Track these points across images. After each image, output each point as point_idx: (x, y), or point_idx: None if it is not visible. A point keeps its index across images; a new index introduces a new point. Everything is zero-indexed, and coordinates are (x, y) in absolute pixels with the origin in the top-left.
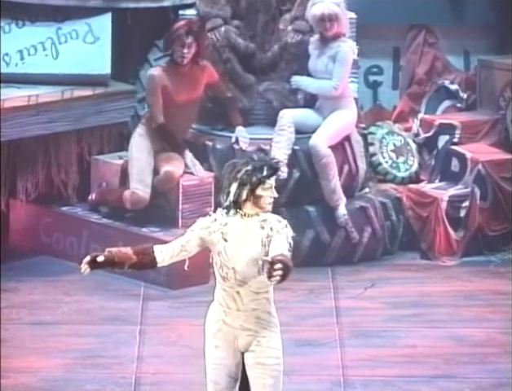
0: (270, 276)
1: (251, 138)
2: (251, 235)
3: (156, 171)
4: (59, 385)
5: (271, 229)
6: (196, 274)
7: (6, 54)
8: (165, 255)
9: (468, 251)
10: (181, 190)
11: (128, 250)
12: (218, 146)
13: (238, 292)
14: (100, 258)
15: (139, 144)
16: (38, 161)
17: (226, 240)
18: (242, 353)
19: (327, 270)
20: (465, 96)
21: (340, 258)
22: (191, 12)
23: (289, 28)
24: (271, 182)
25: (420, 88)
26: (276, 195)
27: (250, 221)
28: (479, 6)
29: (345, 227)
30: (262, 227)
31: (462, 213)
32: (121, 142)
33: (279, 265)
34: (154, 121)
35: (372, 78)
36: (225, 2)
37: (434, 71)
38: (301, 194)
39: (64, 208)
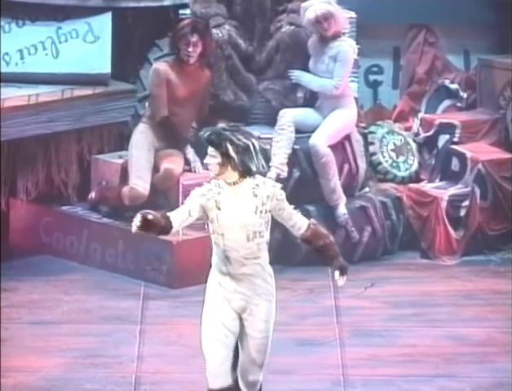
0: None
1: None
2: (244, 204)
3: (156, 169)
4: (59, 384)
5: (267, 197)
6: (195, 273)
7: (7, 54)
8: (178, 222)
9: (468, 250)
10: (181, 189)
11: (157, 215)
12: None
13: (227, 257)
14: (151, 217)
15: (140, 141)
16: (38, 161)
17: (219, 209)
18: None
19: (327, 269)
20: (465, 95)
21: None
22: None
23: (285, 21)
24: (211, 151)
25: (420, 87)
26: (210, 161)
27: (241, 188)
28: (479, 6)
29: (345, 226)
30: (256, 195)
31: (462, 213)
32: (121, 141)
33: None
34: (157, 114)
35: (372, 77)
36: (218, 2)
37: (435, 70)
38: (301, 193)
39: (64, 208)
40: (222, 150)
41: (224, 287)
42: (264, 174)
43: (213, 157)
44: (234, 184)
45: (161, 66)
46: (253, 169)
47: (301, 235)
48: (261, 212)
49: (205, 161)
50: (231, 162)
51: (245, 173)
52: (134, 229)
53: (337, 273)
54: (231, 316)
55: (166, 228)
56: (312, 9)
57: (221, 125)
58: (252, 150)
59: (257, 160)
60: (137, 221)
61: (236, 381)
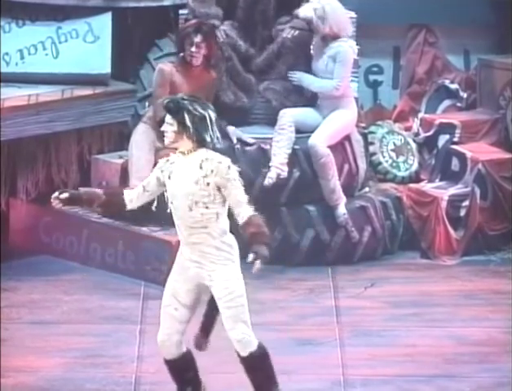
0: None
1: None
2: (189, 173)
3: None
4: (58, 384)
5: (211, 171)
6: None
7: (7, 54)
8: (132, 197)
9: (468, 250)
10: None
11: (98, 190)
12: (218, 145)
13: (178, 226)
14: (64, 195)
15: (140, 142)
16: (38, 161)
17: (169, 178)
18: (202, 287)
19: (327, 269)
20: (465, 95)
21: (340, 257)
22: None
23: (287, 25)
24: (169, 118)
25: (420, 87)
26: (166, 129)
27: (191, 158)
28: (479, 6)
29: (345, 226)
30: (201, 167)
31: (462, 213)
32: (121, 141)
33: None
34: (158, 115)
35: (372, 77)
36: (216, 4)
37: (435, 70)
38: (301, 193)
39: (64, 208)
40: (179, 118)
41: (183, 255)
42: (216, 149)
43: (170, 125)
44: (188, 154)
45: (166, 66)
46: (208, 139)
47: (241, 223)
48: (202, 184)
49: (162, 129)
50: (186, 131)
51: (200, 143)
52: (54, 205)
53: (250, 255)
54: (184, 287)
55: (115, 204)
56: (303, 8)
57: (180, 94)
58: (208, 121)
59: (212, 131)
60: (53, 197)
61: (185, 356)
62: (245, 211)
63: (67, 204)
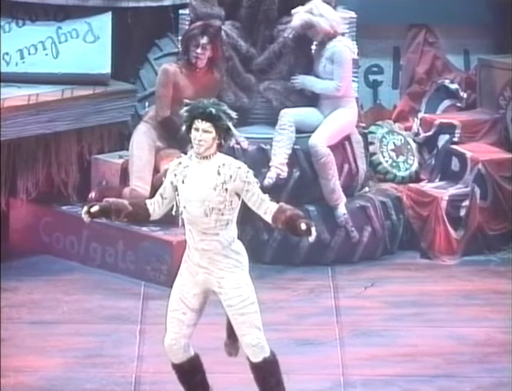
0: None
1: (251, 138)
2: (206, 179)
3: (156, 169)
4: (58, 384)
5: (230, 176)
6: None
7: (7, 54)
8: (154, 206)
9: (468, 250)
10: None
11: (125, 201)
12: None
13: (190, 230)
14: (94, 208)
15: (141, 142)
16: (38, 160)
17: (183, 182)
18: (209, 292)
19: (327, 269)
20: (465, 95)
21: (340, 257)
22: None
23: (288, 25)
24: (199, 124)
25: (420, 87)
26: (204, 137)
27: (208, 164)
28: (479, 6)
29: (345, 226)
30: (219, 173)
31: (462, 213)
32: (121, 141)
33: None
34: (159, 115)
35: (372, 77)
36: (218, 4)
37: (435, 70)
38: (301, 193)
39: (64, 208)
40: (221, 123)
41: (191, 260)
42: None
43: (207, 133)
44: (206, 158)
45: (171, 67)
46: (230, 141)
47: (272, 216)
48: (220, 190)
49: (198, 138)
50: (225, 135)
51: (221, 146)
52: (85, 220)
53: (303, 224)
54: (192, 292)
55: (140, 214)
56: (296, 17)
57: (201, 100)
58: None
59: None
60: (83, 212)
61: (192, 359)
62: (272, 205)
63: (96, 217)
